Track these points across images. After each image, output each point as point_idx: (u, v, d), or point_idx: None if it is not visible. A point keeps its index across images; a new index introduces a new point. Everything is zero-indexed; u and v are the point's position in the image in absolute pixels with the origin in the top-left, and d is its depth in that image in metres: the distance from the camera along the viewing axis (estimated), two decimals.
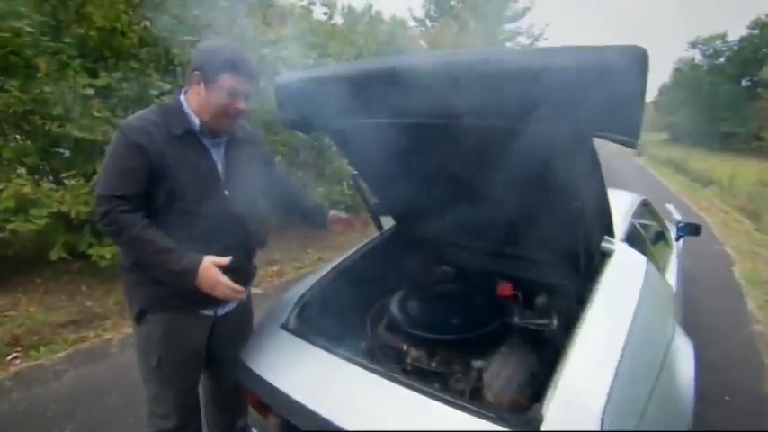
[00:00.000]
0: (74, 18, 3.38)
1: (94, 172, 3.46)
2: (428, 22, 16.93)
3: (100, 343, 3.00)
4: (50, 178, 3.85)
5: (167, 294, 1.35)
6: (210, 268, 1.25)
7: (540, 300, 1.80)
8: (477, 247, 1.90)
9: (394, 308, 1.63)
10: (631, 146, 0.99)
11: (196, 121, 1.33)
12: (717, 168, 13.33)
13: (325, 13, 5.67)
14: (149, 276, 1.33)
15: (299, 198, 1.77)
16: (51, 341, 2.95)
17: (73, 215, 3.17)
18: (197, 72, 1.29)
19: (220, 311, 1.50)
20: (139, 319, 1.41)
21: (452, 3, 16.27)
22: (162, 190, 1.28)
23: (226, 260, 1.28)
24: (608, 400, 1.01)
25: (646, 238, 2.28)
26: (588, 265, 1.58)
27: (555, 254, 1.68)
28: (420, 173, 1.66)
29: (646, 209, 2.63)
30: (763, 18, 25.42)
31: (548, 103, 0.99)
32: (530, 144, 1.21)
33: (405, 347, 1.54)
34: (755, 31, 26.01)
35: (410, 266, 2.03)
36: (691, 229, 3.07)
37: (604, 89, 0.91)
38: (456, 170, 1.56)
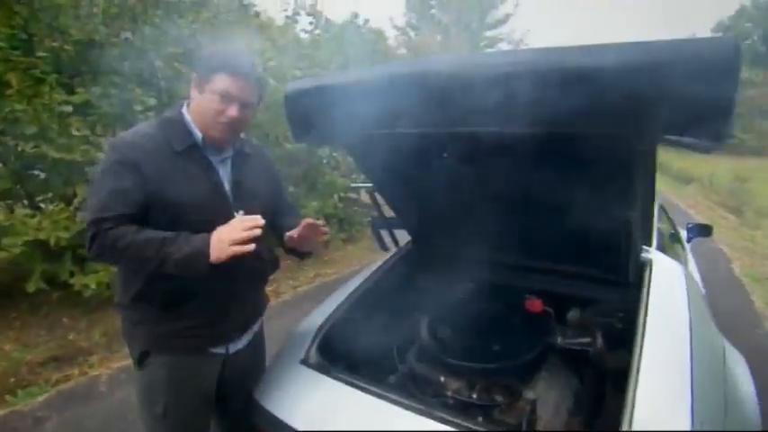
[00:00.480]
0: (47, 31, 3.16)
1: (74, 195, 3.22)
2: (409, 31, 17.06)
3: (86, 381, 2.74)
4: (25, 203, 3.58)
5: (173, 332, 1.20)
6: (221, 229, 1.07)
7: (578, 316, 1.68)
8: (506, 262, 1.78)
9: (425, 335, 1.48)
10: (708, 151, 0.89)
11: (199, 135, 1.19)
12: (695, 166, 13.69)
13: (311, 23, 5.55)
14: (153, 313, 1.18)
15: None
16: (30, 383, 2.67)
17: (52, 243, 2.91)
18: (195, 75, 1.18)
19: (232, 348, 1.34)
20: (141, 362, 1.25)
21: (433, 11, 16.42)
22: (163, 214, 1.13)
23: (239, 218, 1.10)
24: (692, 425, 0.93)
25: (670, 243, 2.20)
26: (632, 277, 1.48)
27: (594, 266, 1.57)
28: (445, 185, 1.53)
29: (661, 212, 2.56)
30: (726, 21, 26.60)
31: (611, 105, 0.89)
32: (583, 151, 1.11)
33: (441, 379, 1.39)
34: (719, 35, 27.14)
35: (434, 285, 1.88)
36: (701, 231, 3.02)
37: (687, 87, 0.80)
38: (487, 182, 1.44)
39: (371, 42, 6.91)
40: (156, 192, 1.10)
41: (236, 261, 1.20)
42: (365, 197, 4.20)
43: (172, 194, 1.12)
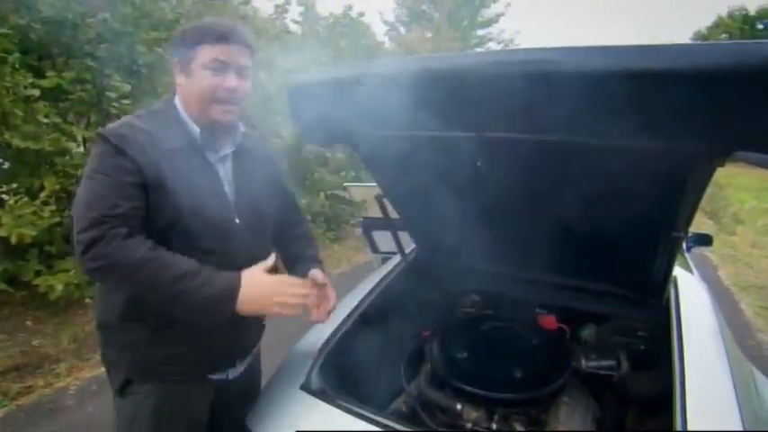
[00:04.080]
0: (12, 6, 2.87)
1: (42, 188, 2.94)
2: (399, 27, 16.88)
3: (51, 394, 2.50)
4: None
5: (166, 358, 1.05)
6: (257, 274, 0.98)
7: (599, 336, 1.58)
8: (519, 276, 1.66)
9: (440, 358, 1.35)
10: None
11: (196, 130, 1.03)
12: None
13: (302, 14, 5.33)
14: (144, 335, 1.02)
15: (298, 241, 1.34)
16: None
17: (14, 241, 2.64)
18: (175, 58, 1.02)
19: (232, 374, 1.20)
20: (122, 391, 1.08)
21: (424, 7, 16.28)
22: (158, 221, 0.96)
23: (270, 261, 1.03)
24: None
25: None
26: (663, 295, 1.39)
27: (619, 283, 1.47)
28: (462, 192, 1.40)
29: None
30: (704, 31, 27.41)
31: (685, 116, 0.79)
32: (630, 163, 1.00)
33: (459, 407, 1.26)
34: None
35: (444, 300, 1.75)
36: (701, 240, 2.99)
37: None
38: (512, 191, 1.31)
39: (362, 36, 6.72)
40: (152, 194, 0.94)
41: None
42: (355, 195, 4.04)
43: (169, 201, 0.96)
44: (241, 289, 0.93)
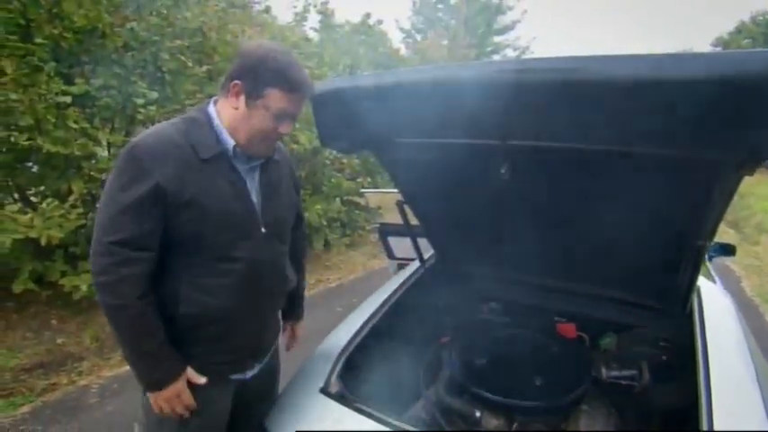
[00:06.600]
0: (47, 17, 2.99)
1: (69, 191, 3.04)
2: (415, 34, 16.96)
3: (75, 391, 2.56)
4: (15, 196, 3.40)
5: (190, 358, 1.08)
6: (181, 386, 1.06)
7: (620, 345, 1.56)
8: (539, 284, 1.65)
9: (459, 365, 1.35)
10: None
11: (230, 142, 1.05)
12: None
13: (321, 21, 5.41)
14: (169, 336, 1.05)
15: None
16: (13, 391, 2.49)
17: (43, 242, 2.74)
18: (238, 81, 1.01)
19: (250, 374, 1.23)
20: None
21: (440, 14, 16.35)
22: (186, 230, 1.00)
23: (201, 380, 1.09)
24: None
25: None
26: (687, 304, 1.37)
27: (640, 292, 1.45)
28: (484, 200, 1.40)
29: None
30: (726, 36, 26.85)
31: (704, 124, 0.79)
32: (655, 172, 0.99)
33: (478, 414, 1.26)
34: (718, 48, 27.41)
35: (463, 306, 1.75)
36: (724, 250, 2.92)
37: None
38: (533, 199, 1.31)
39: (379, 44, 6.79)
40: (177, 206, 0.97)
41: (263, 287, 1.13)
42: (371, 201, 4.06)
43: (197, 210, 0.99)
44: (167, 387, 1.03)
